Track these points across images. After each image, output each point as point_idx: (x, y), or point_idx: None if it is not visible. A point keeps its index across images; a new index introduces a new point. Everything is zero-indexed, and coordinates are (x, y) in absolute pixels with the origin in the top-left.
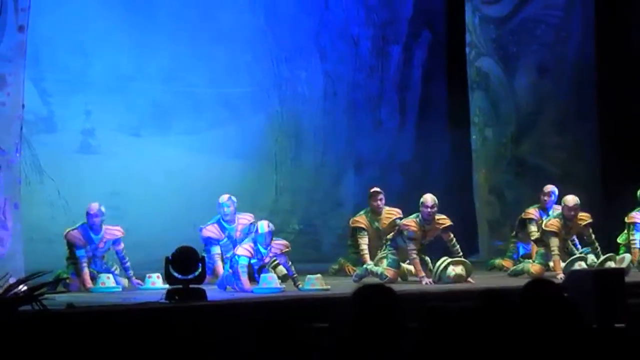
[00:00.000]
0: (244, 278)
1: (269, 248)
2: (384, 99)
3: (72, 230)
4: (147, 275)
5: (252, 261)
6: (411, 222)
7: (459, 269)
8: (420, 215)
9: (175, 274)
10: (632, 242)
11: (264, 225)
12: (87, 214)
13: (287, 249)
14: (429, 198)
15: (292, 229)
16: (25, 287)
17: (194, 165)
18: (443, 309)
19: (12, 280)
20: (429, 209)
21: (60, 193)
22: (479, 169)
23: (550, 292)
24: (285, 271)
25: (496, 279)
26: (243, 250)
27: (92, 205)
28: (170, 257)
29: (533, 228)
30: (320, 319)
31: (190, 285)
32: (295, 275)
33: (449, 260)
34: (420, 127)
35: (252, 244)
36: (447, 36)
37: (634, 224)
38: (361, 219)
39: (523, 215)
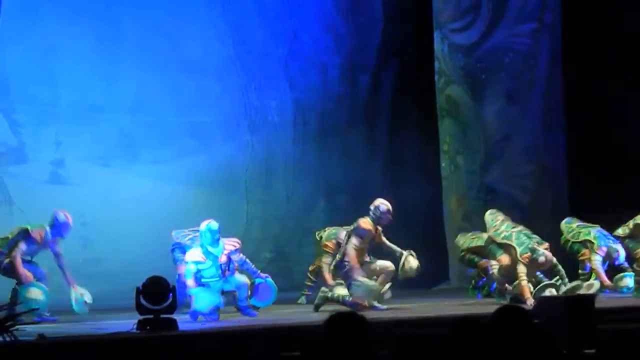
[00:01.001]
0: (190, 279)
1: (219, 246)
2: (353, 127)
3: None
4: None
5: (211, 272)
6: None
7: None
8: (376, 220)
9: (146, 304)
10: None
11: (203, 225)
12: (64, 224)
13: (239, 246)
14: (387, 204)
15: (263, 258)
16: None
17: (163, 195)
18: (414, 337)
19: None
20: (390, 215)
21: (30, 224)
22: (449, 196)
23: (520, 318)
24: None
25: (467, 306)
26: (192, 255)
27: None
28: (140, 288)
29: None
30: (292, 347)
31: (161, 315)
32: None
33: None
34: (390, 155)
35: (200, 249)
36: (416, 64)
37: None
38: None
39: None
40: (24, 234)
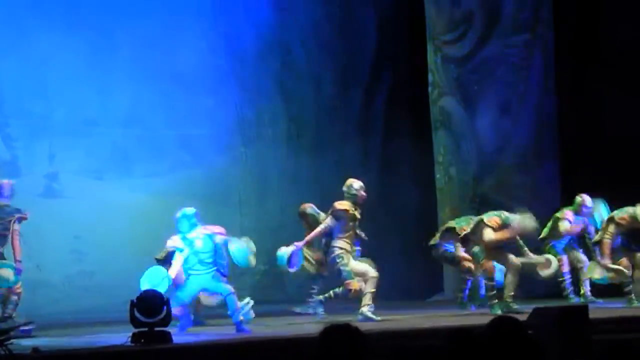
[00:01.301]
0: (173, 267)
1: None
2: (347, 139)
3: None
4: None
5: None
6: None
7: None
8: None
9: (140, 317)
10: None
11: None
12: None
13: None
14: (359, 182)
15: (257, 270)
16: None
17: (156, 208)
18: (409, 348)
19: None
20: (364, 192)
21: (23, 237)
22: (443, 207)
23: (514, 329)
24: None
25: (461, 317)
26: (172, 241)
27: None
28: (134, 301)
29: None
30: (287, 359)
31: (156, 328)
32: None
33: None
34: (384, 167)
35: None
36: (409, 76)
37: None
38: None
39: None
40: None
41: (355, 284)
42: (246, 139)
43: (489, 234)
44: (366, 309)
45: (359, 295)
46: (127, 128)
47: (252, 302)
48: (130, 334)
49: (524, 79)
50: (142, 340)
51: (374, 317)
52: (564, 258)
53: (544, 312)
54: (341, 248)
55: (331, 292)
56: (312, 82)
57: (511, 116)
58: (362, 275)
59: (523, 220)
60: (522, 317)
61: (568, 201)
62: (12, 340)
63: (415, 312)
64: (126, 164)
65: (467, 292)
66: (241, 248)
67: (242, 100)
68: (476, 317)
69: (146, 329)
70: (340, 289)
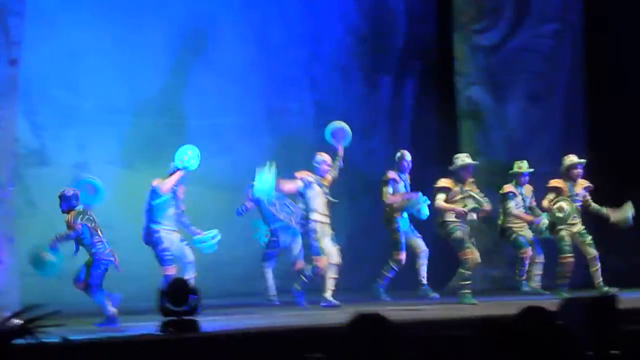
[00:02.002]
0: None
1: None
2: (375, 128)
3: None
4: None
5: None
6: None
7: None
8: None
9: (169, 306)
10: (507, 209)
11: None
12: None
13: None
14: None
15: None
16: (19, 321)
17: (185, 197)
18: (438, 338)
19: (5, 314)
20: (326, 166)
21: (53, 227)
22: None
23: (544, 319)
24: None
25: (491, 307)
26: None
27: None
28: (163, 289)
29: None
30: (316, 349)
31: (184, 317)
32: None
33: None
34: (412, 156)
35: None
36: (437, 65)
37: (508, 193)
38: None
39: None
40: None
41: (324, 263)
42: (274, 128)
43: None
44: (330, 294)
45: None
46: (156, 117)
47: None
48: (159, 322)
49: (554, 68)
50: (171, 329)
51: (332, 300)
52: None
53: (574, 302)
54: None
55: (301, 276)
56: (340, 71)
57: (540, 106)
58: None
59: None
60: (553, 307)
61: (597, 191)
62: (40, 329)
63: (444, 302)
64: (155, 153)
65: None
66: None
67: (270, 90)
68: (506, 306)
69: (175, 317)
70: (310, 267)
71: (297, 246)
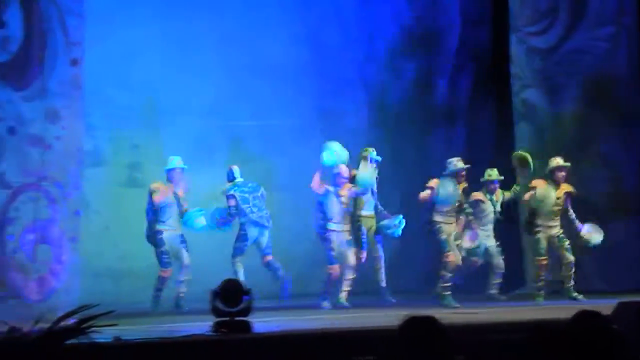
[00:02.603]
0: None
1: None
2: (429, 130)
3: None
4: None
5: None
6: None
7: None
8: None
9: (222, 307)
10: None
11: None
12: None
13: None
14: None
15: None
16: (73, 320)
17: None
18: (490, 342)
19: (60, 314)
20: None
21: (107, 227)
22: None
23: (598, 323)
24: None
25: (543, 310)
26: None
27: None
28: (216, 290)
29: None
30: (367, 351)
31: (236, 318)
32: None
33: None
34: (467, 158)
35: None
36: (492, 67)
37: (475, 201)
38: None
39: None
40: None
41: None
42: (327, 129)
43: None
44: (344, 295)
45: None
46: (209, 118)
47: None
48: (212, 323)
49: (609, 70)
50: (223, 330)
51: (347, 305)
52: None
53: (629, 306)
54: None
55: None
56: (394, 72)
57: (596, 108)
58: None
59: None
60: (607, 311)
61: None
62: (94, 329)
63: (497, 306)
64: (208, 154)
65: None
66: None
67: (323, 91)
68: (559, 310)
69: (227, 318)
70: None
71: (265, 240)
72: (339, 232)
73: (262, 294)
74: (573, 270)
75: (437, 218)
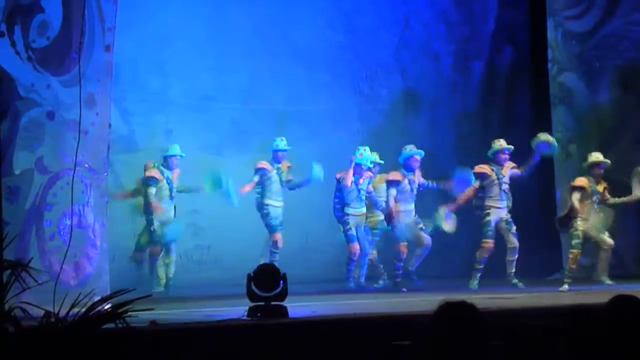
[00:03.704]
0: None
1: None
2: (466, 114)
3: None
4: None
5: None
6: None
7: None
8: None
9: (257, 291)
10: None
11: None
12: None
13: None
14: None
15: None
16: (109, 305)
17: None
18: (527, 327)
19: (96, 299)
20: None
21: (140, 212)
22: (561, 184)
23: (636, 308)
24: None
25: (580, 295)
26: None
27: None
28: (251, 274)
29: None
30: (402, 336)
31: (272, 302)
32: None
33: None
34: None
35: None
36: (529, 51)
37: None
38: None
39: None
40: None
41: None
42: (363, 114)
43: None
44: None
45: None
46: (244, 104)
47: None
48: (247, 308)
49: None
50: (259, 315)
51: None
52: None
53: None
54: None
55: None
56: (431, 57)
57: (633, 93)
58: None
59: None
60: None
61: None
62: (129, 313)
63: (534, 290)
64: (244, 139)
65: None
66: None
67: (359, 76)
68: (595, 294)
69: (263, 303)
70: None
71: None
72: (356, 215)
73: (297, 278)
74: (516, 256)
75: (488, 202)
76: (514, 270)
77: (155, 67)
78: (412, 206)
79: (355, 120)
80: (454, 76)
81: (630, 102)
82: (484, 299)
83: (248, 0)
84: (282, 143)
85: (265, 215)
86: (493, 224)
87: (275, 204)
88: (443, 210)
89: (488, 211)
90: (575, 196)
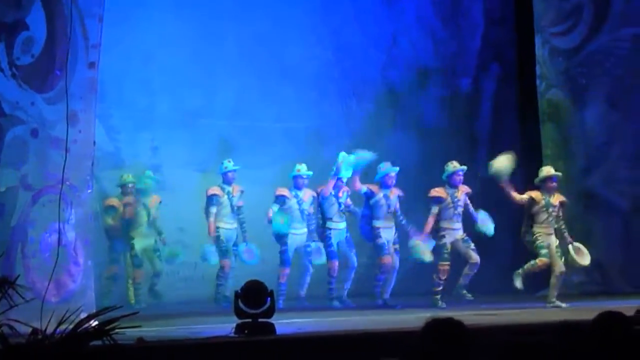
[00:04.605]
0: None
1: None
2: (454, 131)
3: None
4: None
5: None
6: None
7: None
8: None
9: (244, 308)
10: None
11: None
12: None
13: None
14: None
15: (360, 263)
16: (96, 322)
17: (260, 200)
18: (514, 343)
19: (83, 316)
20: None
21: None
22: None
23: (620, 324)
24: None
25: (565, 312)
26: None
27: None
28: (239, 291)
29: None
30: (389, 353)
31: (259, 319)
32: None
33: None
34: (491, 158)
35: None
36: (517, 68)
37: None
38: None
39: None
40: None
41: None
42: (351, 131)
43: None
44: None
45: None
46: (232, 120)
47: None
48: (234, 325)
49: (633, 71)
50: (246, 332)
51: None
52: None
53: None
54: None
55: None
56: (418, 73)
57: (619, 109)
58: None
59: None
60: (630, 313)
61: None
62: (117, 330)
63: (522, 307)
64: (230, 157)
65: None
66: None
67: (348, 92)
68: (581, 311)
69: (250, 320)
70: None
71: None
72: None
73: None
74: (475, 272)
75: (443, 224)
76: (467, 282)
77: (141, 83)
78: (392, 223)
79: (344, 137)
80: (441, 93)
81: (617, 119)
82: (472, 315)
83: (236, 17)
84: (229, 164)
85: (216, 239)
86: (448, 245)
87: (227, 226)
88: (417, 242)
89: (443, 233)
90: (434, 210)
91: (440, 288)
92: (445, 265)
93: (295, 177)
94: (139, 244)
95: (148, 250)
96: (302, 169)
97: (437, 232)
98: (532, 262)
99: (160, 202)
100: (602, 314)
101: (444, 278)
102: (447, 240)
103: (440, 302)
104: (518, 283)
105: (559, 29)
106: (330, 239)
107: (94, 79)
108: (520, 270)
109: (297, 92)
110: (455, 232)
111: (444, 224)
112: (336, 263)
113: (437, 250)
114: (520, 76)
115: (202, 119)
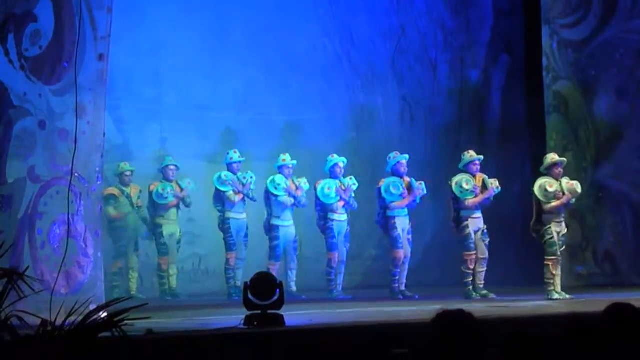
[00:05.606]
0: None
1: None
2: (463, 123)
3: None
4: None
5: None
6: None
7: None
8: None
9: (254, 300)
10: None
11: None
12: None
13: None
14: None
15: (368, 255)
16: (105, 314)
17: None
18: (523, 335)
19: (92, 307)
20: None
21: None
22: None
23: (630, 316)
24: None
25: (572, 304)
26: None
27: None
28: (248, 283)
29: None
30: (399, 345)
31: (269, 311)
32: None
33: None
34: (499, 151)
35: None
36: (525, 60)
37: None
38: None
39: None
40: None
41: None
42: (359, 123)
43: None
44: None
45: None
46: (239, 112)
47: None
48: (243, 316)
49: None
50: (255, 323)
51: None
52: None
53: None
54: None
55: None
56: (427, 65)
57: (629, 100)
58: None
59: None
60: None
61: None
62: (126, 322)
63: (531, 299)
64: (238, 148)
65: None
66: None
67: (355, 84)
68: (590, 303)
69: (259, 311)
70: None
71: None
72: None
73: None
74: (485, 268)
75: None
76: (483, 280)
77: (150, 75)
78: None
79: (351, 129)
80: (450, 84)
81: (626, 110)
82: (481, 307)
83: (244, 9)
84: (235, 155)
85: (226, 230)
86: (473, 235)
87: (237, 216)
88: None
89: (466, 223)
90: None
91: (470, 278)
92: (471, 255)
93: (281, 167)
94: (167, 230)
95: (173, 237)
96: (287, 158)
97: (459, 223)
98: (547, 273)
99: (141, 191)
100: (611, 306)
101: (472, 267)
102: (471, 229)
103: (474, 293)
104: (557, 295)
105: (568, 21)
106: (333, 231)
107: (103, 71)
108: (549, 288)
109: (305, 83)
110: (477, 220)
111: (465, 213)
112: (336, 255)
113: (462, 241)
114: (527, 68)
115: (210, 111)
